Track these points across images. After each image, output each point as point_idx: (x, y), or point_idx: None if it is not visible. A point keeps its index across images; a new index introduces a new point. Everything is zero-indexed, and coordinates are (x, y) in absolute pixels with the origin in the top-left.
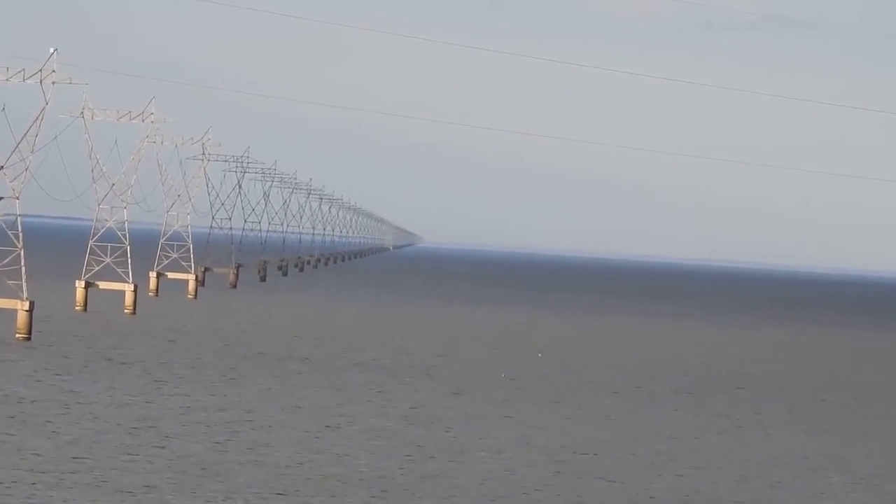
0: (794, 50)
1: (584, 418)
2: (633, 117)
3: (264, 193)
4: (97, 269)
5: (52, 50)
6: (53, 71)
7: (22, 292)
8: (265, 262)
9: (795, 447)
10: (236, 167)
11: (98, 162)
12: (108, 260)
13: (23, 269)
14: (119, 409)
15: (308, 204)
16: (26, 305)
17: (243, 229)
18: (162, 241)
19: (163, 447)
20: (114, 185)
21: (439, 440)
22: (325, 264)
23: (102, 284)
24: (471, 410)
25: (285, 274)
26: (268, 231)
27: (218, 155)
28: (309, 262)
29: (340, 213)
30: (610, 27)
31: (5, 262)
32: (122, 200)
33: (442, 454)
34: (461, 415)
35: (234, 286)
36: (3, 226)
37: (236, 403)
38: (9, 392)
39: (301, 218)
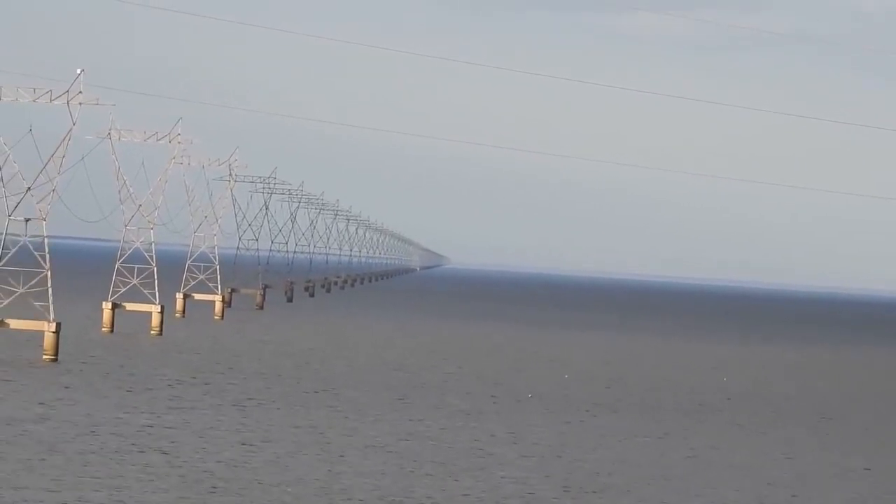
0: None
1: (605, 438)
2: (664, 136)
3: (291, 214)
4: (124, 290)
5: (78, 71)
6: (80, 92)
7: (49, 314)
8: (292, 283)
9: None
10: (263, 188)
11: (125, 183)
12: (134, 281)
13: (49, 290)
14: (136, 430)
15: (335, 225)
16: (53, 327)
17: (270, 250)
18: (189, 262)
19: (177, 467)
20: (140, 206)
21: (456, 457)
22: (352, 285)
23: (129, 306)
24: (488, 429)
25: (312, 295)
26: (294, 252)
27: (245, 176)
28: (336, 283)
29: (367, 234)
30: (644, 46)
31: (32, 283)
32: (148, 221)
33: (460, 471)
34: (480, 433)
35: (261, 307)
36: (31, 247)
37: (254, 425)
38: (31, 412)
39: (328, 239)
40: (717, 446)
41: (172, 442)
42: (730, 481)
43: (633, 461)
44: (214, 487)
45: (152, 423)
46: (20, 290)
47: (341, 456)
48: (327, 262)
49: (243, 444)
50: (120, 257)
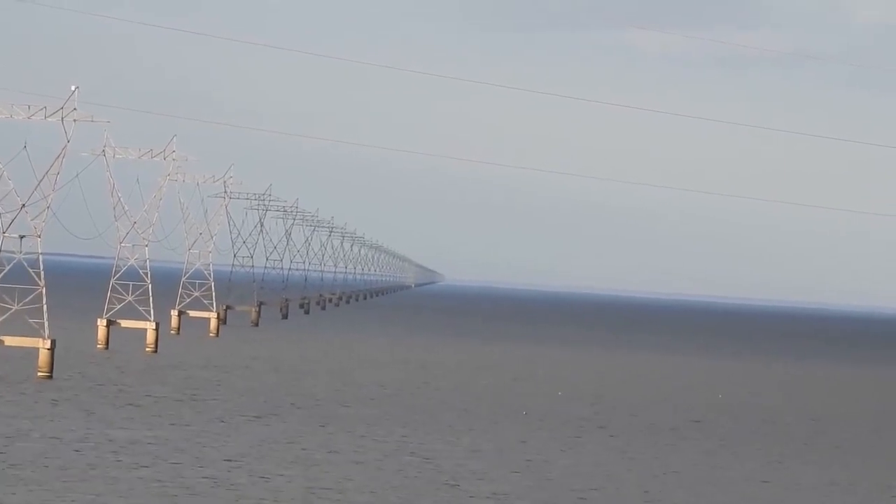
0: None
1: (596, 455)
2: (661, 152)
3: (286, 231)
4: (119, 307)
5: (73, 87)
6: (75, 109)
7: (44, 331)
8: (287, 300)
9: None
10: (258, 205)
11: (120, 200)
12: (129, 298)
13: (44, 307)
14: (124, 446)
15: (330, 242)
16: (48, 344)
17: (265, 267)
18: (184, 279)
19: (165, 483)
20: (135, 223)
21: (444, 474)
22: (347, 302)
23: (124, 322)
24: (478, 446)
25: (307, 312)
26: (290, 269)
27: (240, 193)
28: (331, 300)
29: (362, 252)
30: (639, 63)
31: (27, 300)
32: (143, 238)
33: (448, 488)
34: (472, 449)
35: (256, 324)
36: (25, 264)
37: (243, 441)
38: (23, 428)
39: (323, 256)
40: (708, 463)
41: (160, 458)
42: (716, 498)
43: (623, 478)
44: None
45: (142, 438)
46: (15, 307)
47: (328, 473)
48: (322, 279)
49: (231, 461)
50: (115, 274)
